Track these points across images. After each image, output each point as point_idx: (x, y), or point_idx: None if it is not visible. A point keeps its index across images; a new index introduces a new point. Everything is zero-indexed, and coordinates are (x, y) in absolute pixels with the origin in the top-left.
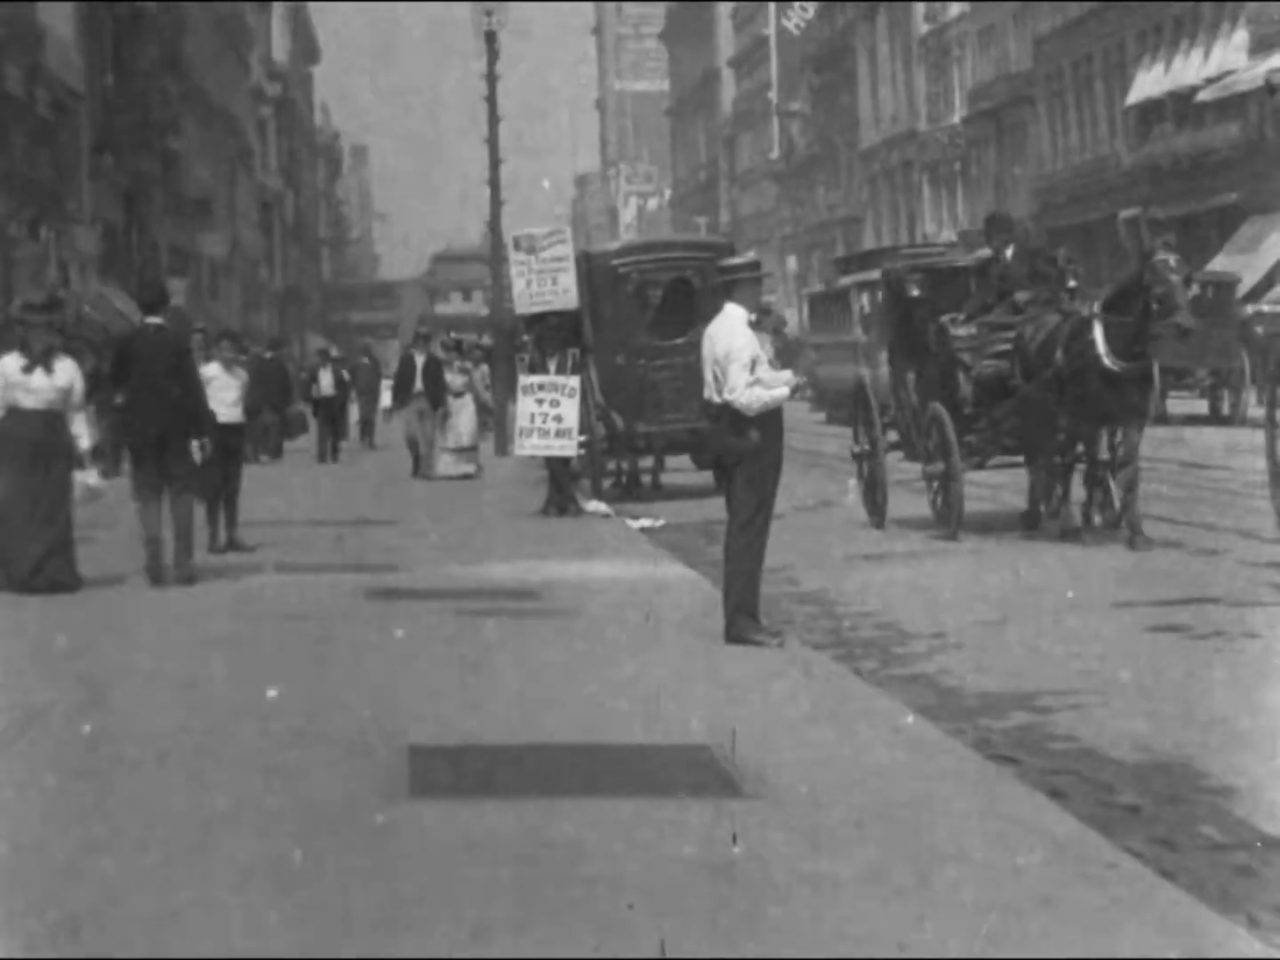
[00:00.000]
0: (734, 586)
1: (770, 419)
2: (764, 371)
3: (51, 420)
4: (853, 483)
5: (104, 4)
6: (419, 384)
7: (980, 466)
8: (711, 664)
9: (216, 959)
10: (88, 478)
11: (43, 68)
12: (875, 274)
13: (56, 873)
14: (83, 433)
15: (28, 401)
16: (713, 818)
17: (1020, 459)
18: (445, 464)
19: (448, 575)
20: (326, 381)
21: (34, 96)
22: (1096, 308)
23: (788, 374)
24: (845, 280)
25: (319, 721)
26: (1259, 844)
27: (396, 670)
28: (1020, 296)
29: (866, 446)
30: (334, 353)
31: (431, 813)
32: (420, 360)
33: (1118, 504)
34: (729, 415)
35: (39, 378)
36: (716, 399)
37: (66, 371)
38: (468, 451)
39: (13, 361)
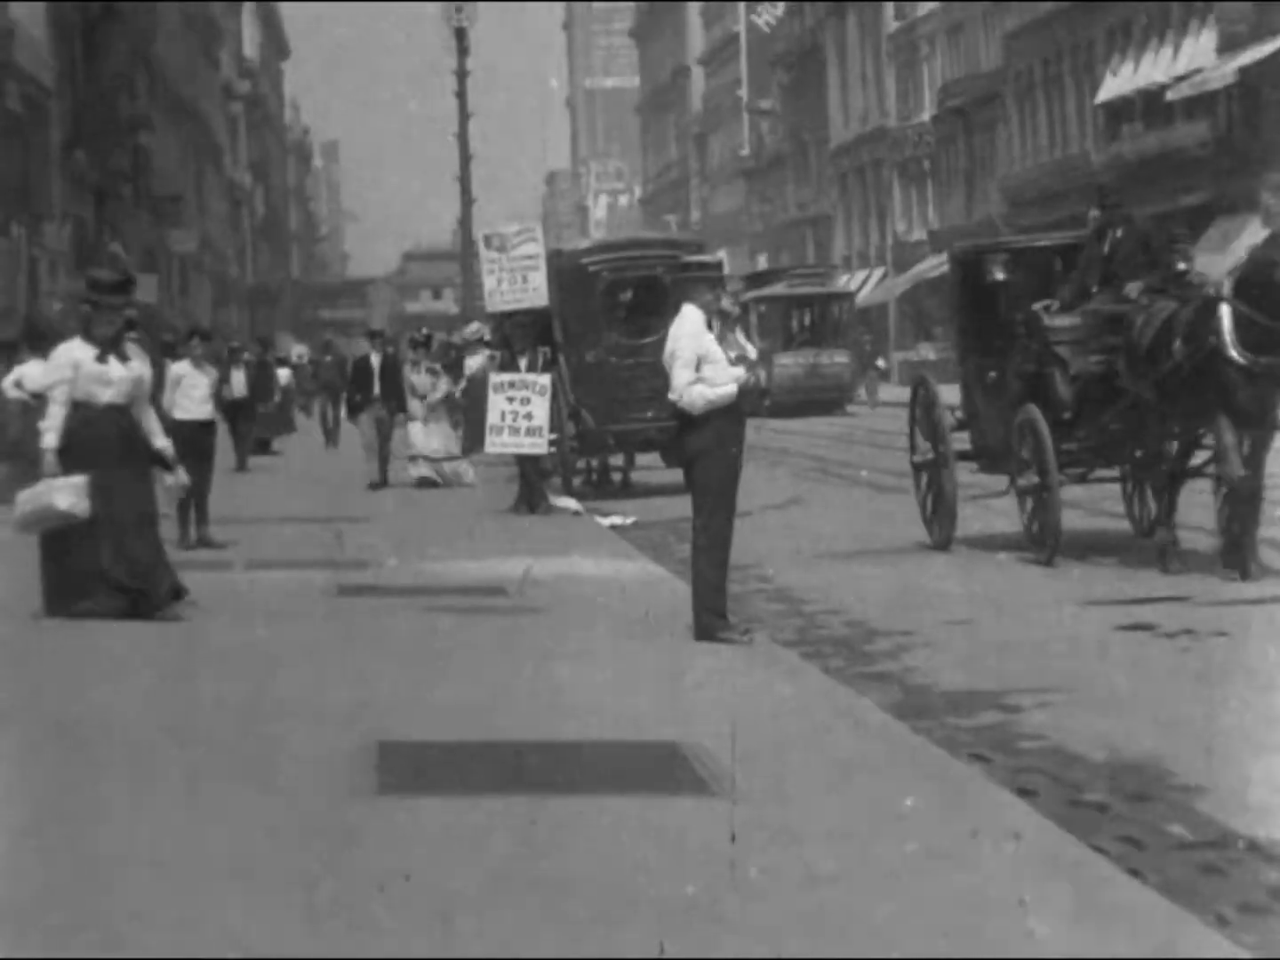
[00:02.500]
0: (699, 585)
1: (725, 418)
2: (712, 370)
3: (130, 416)
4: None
5: (75, 1)
6: (376, 387)
7: (1082, 480)
8: (680, 661)
9: (179, 959)
10: (179, 477)
11: (13, 64)
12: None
13: (17, 875)
14: (156, 428)
15: (104, 395)
16: (682, 815)
17: (1118, 471)
18: (417, 469)
19: (418, 572)
20: (239, 382)
21: (4, 92)
22: (1227, 288)
23: (737, 371)
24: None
25: (286, 718)
26: (1227, 842)
27: (366, 666)
28: (1131, 288)
29: (930, 455)
30: (248, 355)
31: (400, 809)
32: (376, 361)
33: (1220, 521)
34: (682, 415)
35: (116, 367)
36: (673, 398)
37: (139, 360)
38: (445, 461)
39: (83, 349)
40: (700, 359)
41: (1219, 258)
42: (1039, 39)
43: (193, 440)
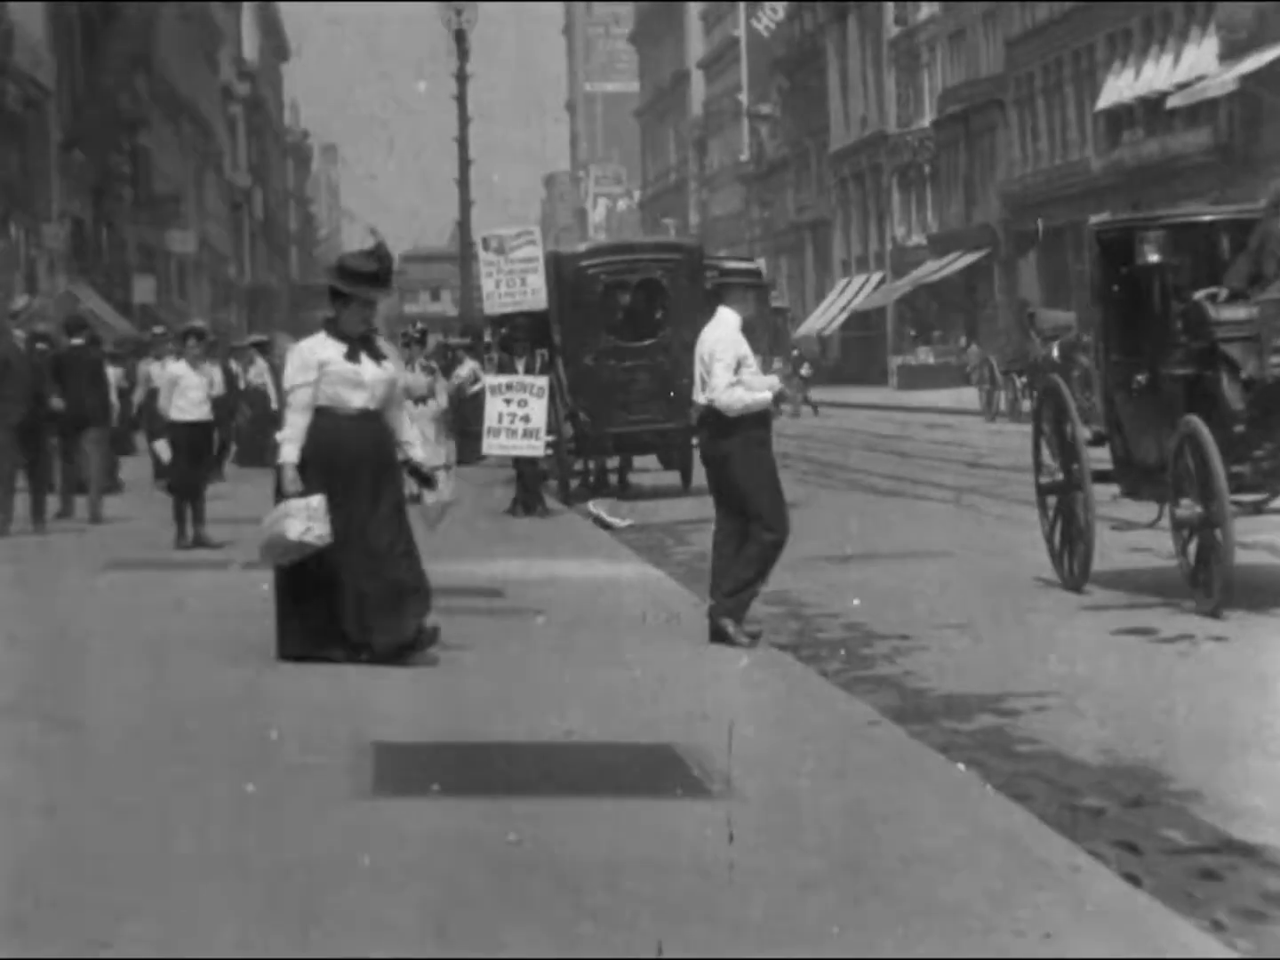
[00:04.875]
0: (727, 587)
1: (755, 422)
2: (749, 375)
3: (384, 424)
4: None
5: (74, 1)
6: None
7: (1257, 510)
8: (675, 663)
9: (172, 959)
10: (441, 494)
11: (12, 65)
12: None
13: (10, 873)
14: (414, 436)
15: (355, 400)
16: (679, 817)
17: None
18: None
19: None
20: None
21: (3, 93)
22: None
23: (772, 379)
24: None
25: (283, 719)
26: (1223, 848)
27: (361, 667)
28: None
29: (1060, 477)
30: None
31: (395, 810)
32: None
33: None
34: (712, 416)
35: (369, 367)
36: (701, 400)
37: (393, 358)
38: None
39: (331, 346)
40: (739, 362)
41: None
42: (1039, 45)
43: (189, 440)
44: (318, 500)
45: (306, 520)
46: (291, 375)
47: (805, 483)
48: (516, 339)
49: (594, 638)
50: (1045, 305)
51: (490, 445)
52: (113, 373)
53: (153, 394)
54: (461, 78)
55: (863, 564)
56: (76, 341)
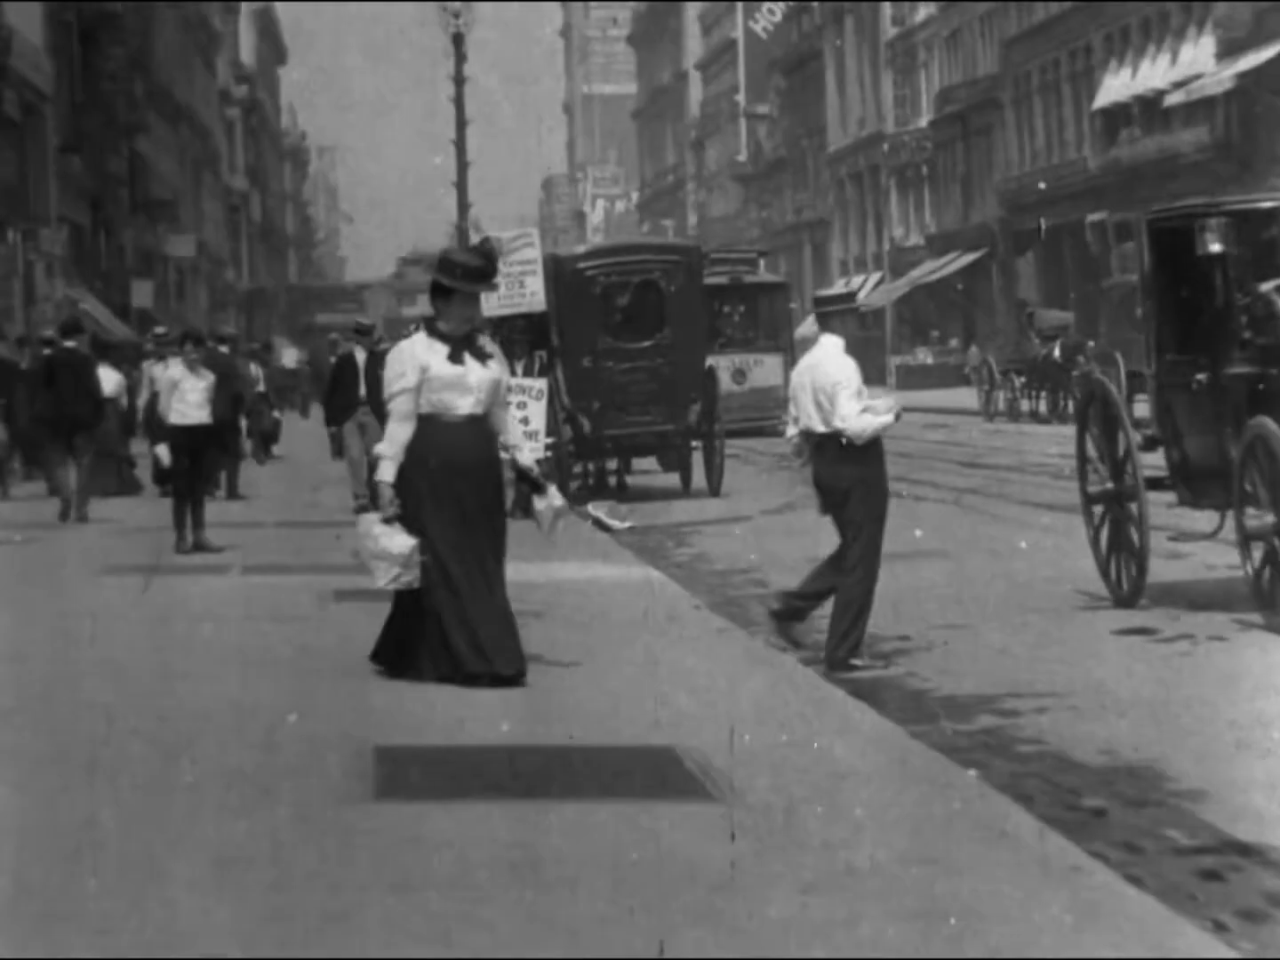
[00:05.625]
0: (845, 615)
1: (876, 446)
2: (869, 399)
3: (490, 431)
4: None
5: (71, 6)
6: (362, 390)
7: None
8: (676, 666)
9: (170, 959)
10: (552, 499)
11: (10, 69)
12: None
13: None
14: (521, 439)
15: (463, 405)
16: (680, 819)
17: None
18: None
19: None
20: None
21: (1, 98)
22: None
23: (891, 400)
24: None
25: (284, 722)
26: (1225, 848)
27: (363, 671)
28: None
29: (1109, 485)
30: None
31: (397, 815)
32: (361, 358)
33: None
34: (836, 444)
35: (475, 369)
36: (820, 429)
37: (498, 359)
38: None
39: (433, 348)
40: (859, 389)
41: None
42: (1037, 44)
43: (189, 445)
44: (410, 548)
45: (399, 567)
46: (391, 381)
47: (803, 484)
48: (515, 341)
49: (593, 639)
50: (1043, 305)
51: None
52: (113, 377)
53: (156, 396)
54: (459, 80)
55: None
56: (69, 344)
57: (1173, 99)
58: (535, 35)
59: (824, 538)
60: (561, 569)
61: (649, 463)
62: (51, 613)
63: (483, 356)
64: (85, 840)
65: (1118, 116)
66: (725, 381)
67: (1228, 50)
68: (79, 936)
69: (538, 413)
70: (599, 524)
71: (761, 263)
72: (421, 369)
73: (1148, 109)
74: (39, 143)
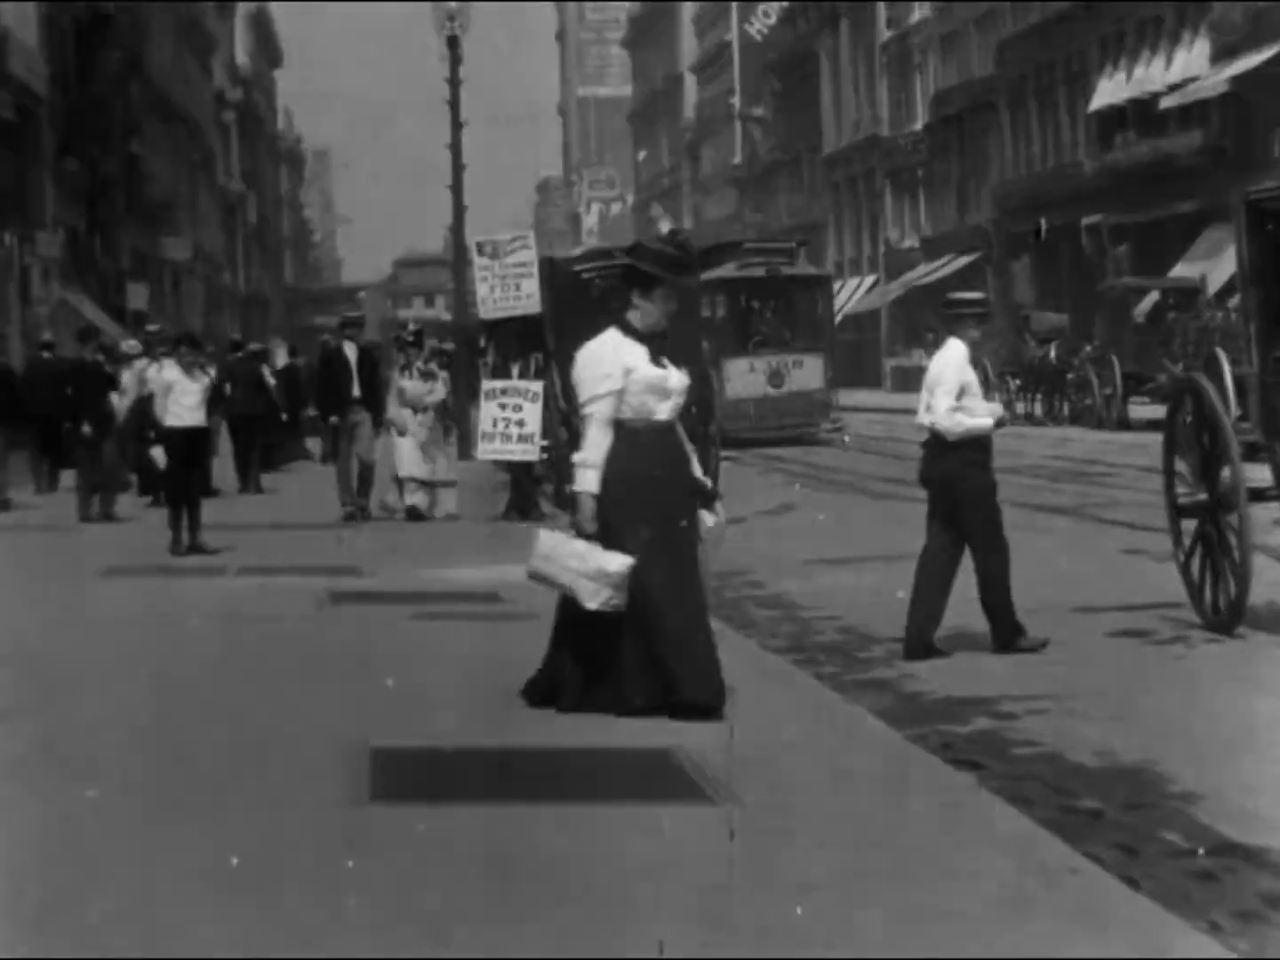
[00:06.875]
0: (995, 602)
1: (974, 447)
2: (972, 402)
3: (682, 439)
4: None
5: (67, 8)
6: (354, 388)
7: None
8: None
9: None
10: (719, 515)
11: (5, 72)
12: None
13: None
14: (690, 451)
15: (662, 411)
16: (678, 821)
17: None
18: (409, 493)
19: (411, 579)
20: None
21: None
22: None
23: (995, 406)
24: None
25: (281, 724)
26: (1221, 850)
27: (359, 672)
28: None
29: (1202, 495)
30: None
31: (393, 816)
32: (353, 355)
33: None
34: (934, 439)
35: (673, 372)
36: (925, 422)
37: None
38: (435, 485)
39: (633, 348)
40: (962, 389)
41: (1212, 265)
42: (1031, 47)
43: (185, 447)
44: (628, 568)
45: (611, 589)
46: (595, 383)
47: (800, 486)
48: (511, 344)
49: None
50: (1038, 307)
51: (485, 450)
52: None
53: (145, 399)
54: (454, 83)
55: (858, 567)
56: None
57: (1168, 102)
58: (531, 38)
59: (821, 540)
60: None
61: None
62: (47, 613)
63: (678, 361)
64: (82, 841)
65: (1113, 119)
66: (760, 385)
67: (1222, 53)
68: (77, 937)
69: (533, 415)
70: None
71: (802, 254)
72: (626, 370)
73: (1142, 112)
74: (34, 145)
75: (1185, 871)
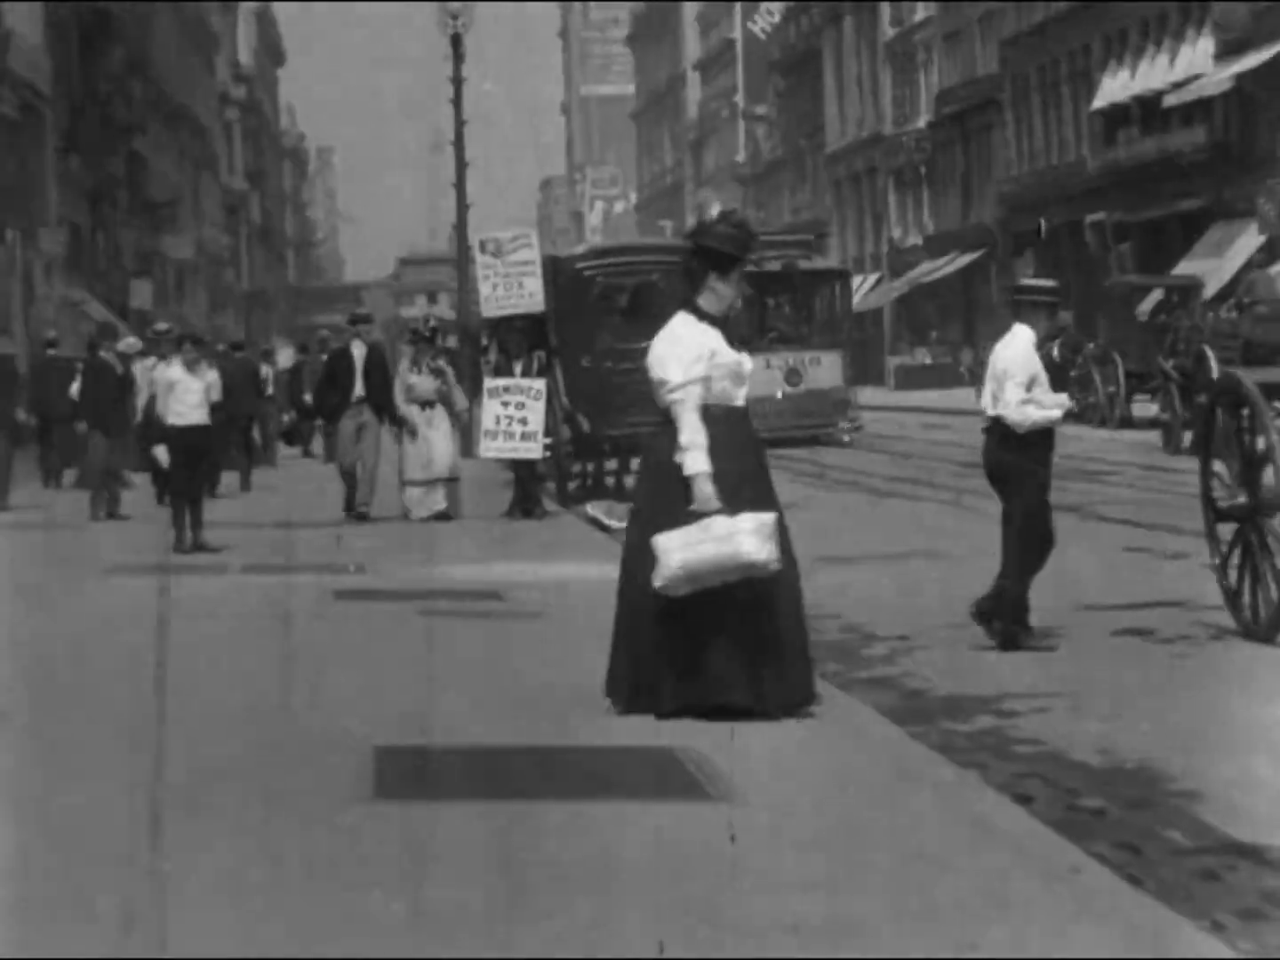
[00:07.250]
0: (1005, 596)
1: (1041, 439)
2: (1040, 393)
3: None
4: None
5: (70, 7)
6: (359, 387)
7: None
8: None
9: (169, 959)
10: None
11: (9, 70)
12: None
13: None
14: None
15: (739, 396)
16: (679, 820)
17: None
18: (414, 499)
19: (414, 576)
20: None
21: (0, 99)
22: None
23: (1062, 397)
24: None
25: (284, 722)
26: (1224, 848)
27: (362, 671)
28: None
29: (1243, 499)
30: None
31: (396, 814)
32: (360, 353)
33: None
34: (1000, 430)
35: (746, 356)
36: (990, 412)
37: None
38: (444, 483)
39: (709, 333)
40: (1032, 380)
41: (1215, 262)
42: (1035, 45)
43: (186, 444)
44: (771, 518)
45: (768, 538)
46: (684, 369)
47: (803, 483)
48: (514, 341)
49: (591, 640)
50: None
51: (488, 448)
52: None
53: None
54: (457, 81)
55: (861, 565)
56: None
57: (1171, 100)
58: (534, 36)
59: (823, 539)
60: (560, 569)
61: None
62: (50, 611)
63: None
64: (83, 840)
65: (1116, 117)
66: (777, 383)
67: (1226, 51)
68: (78, 937)
69: (536, 413)
70: (597, 524)
71: (822, 246)
72: (712, 353)
73: (1146, 110)
74: (38, 143)
75: (1188, 870)
